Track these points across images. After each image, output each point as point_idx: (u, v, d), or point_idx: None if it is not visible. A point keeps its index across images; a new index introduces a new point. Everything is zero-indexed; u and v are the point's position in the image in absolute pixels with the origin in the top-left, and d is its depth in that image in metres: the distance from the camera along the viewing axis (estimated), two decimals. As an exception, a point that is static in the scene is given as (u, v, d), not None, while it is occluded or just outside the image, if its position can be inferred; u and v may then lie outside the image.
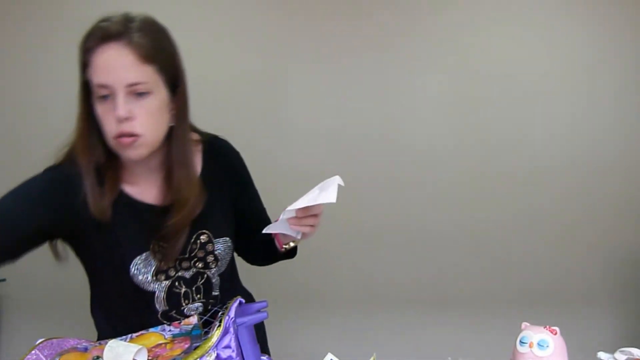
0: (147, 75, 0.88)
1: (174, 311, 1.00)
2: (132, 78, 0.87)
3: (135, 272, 0.95)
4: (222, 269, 1.06)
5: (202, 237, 1.02)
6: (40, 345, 0.76)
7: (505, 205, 2.02)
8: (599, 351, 0.96)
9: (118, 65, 0.86)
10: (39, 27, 1.90)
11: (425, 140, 2.00)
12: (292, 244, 1.06)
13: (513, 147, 2.02)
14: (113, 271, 0.97)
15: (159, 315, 0.99)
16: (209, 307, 1.04)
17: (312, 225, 0.98)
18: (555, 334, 0.86)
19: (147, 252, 0.96)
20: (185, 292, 1.01)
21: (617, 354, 0.93)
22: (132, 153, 0.91)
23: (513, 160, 2.02)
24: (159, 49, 0.90)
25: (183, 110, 0.97)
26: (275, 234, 1.05)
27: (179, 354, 0.74)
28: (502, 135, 2.01)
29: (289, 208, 0.93)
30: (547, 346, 0.84)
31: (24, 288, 1.92)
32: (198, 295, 1.02)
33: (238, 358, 0.77)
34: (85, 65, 0.88)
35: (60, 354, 0.76)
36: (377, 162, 1.98)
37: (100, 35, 0.87)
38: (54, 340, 0.79)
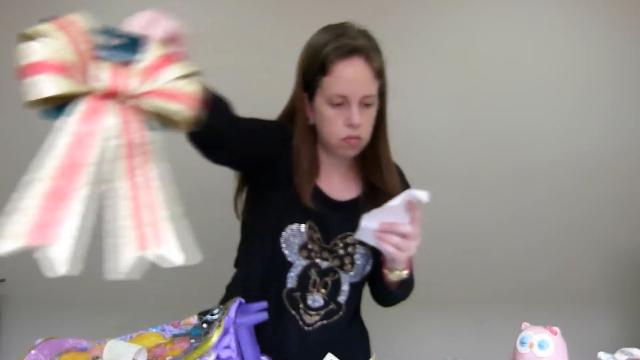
0: (375, 89, 1.00)
1: (299, 293, 1.04)
2: (368, 91, 0.98)
3: (287, 236, 1.02)
4: (355, 279, 1.09)
5: (349, 238, 1.06)
6: (40, 345, 0.76)
7: (505, 204, 2.02)
8: (599, 351, 0.96)
9: (359, 79, 0.96)
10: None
11: (423, 139, 2.00)
12: (397, 273, 1.01)
13: (512, 145, 2.02)
14: (271, 227, 1.04)
15: (285, 291, 1.04)
16: (330, 309, 1.07)
17: (397, 247, 0.93)
18: (556, 334, 0.86)
19: (305, 225, 1.03)
20: (315, 280, 1.05)
21: (617, 354, 0.93)
22: (351, 152, 1.04)
23: (512, 160, 2.02)
24: (383, 66, 1.02)
25: (385, 116, 1.08)
26: (384, 260, 1.04)
27: (179, 354, 0.74)
28: (502, 133, 2.01)
29: (367, 214, 0.94)
30: (548, 346, 0.84)
31: (24, 288, 1.92)
32: (323, 290, 1.06)
33: (238, 358, 0.76)
34: (322, 71, 0.96)
35: (60, 354, 0.76)
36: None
37: (347, 49, 0.95)
38: (53, 340, 0.79)
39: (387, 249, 0.94)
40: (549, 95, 2.02)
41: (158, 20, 0.59)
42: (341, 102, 0.97)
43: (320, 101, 1.00)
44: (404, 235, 0.93)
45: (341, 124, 0.99)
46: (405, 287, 1.10)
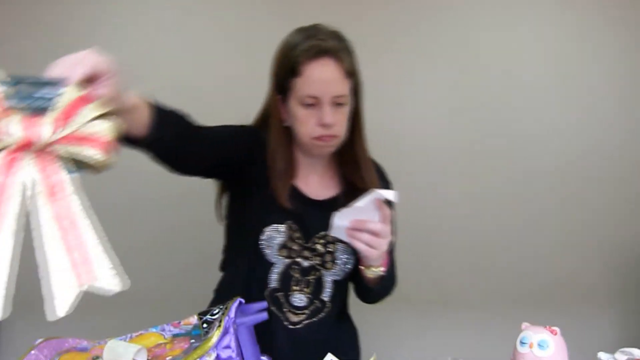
0: (347, 88, 1.01)
1: (283, 293, 1.05)
2: (339, 91, 0.99)
3: (267, 237, 1.04)
4: (337, 277, 1.10)
5: (329, 236, 1.07)
6: (40, 345, 0.76)
7: (505, 206, 2.02)
8: (599, 351, 0.96)
9: (329, 79, 0.98)
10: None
11: (425, 141, 2.00)
12: (373, 270, 1.03)
13: (512, 148, 2.02)
14: (252, 229, 1.05)
15: (269, 291, 1.05)
16: (315, 307, 1.08)
17: (368, 244, 0.94)
18: (556, 334, 0.86)
19: (285, 226, 1.04)
20: (297, 278, 1.06)
21: (617, 354, 0.93)
22: (327, 150, 1.06)
23: (513, 162, 2.02)
24: (355, 66, 1.03)
25: (360, 115, 1.09)
26: (360, 257, 1.04)
27: (179, 354, 0.74)
28: (503, 136, 2.01)
29: (338, 212, 0.95)
30: (548, 346, 0.84)
31: (24, 288, 1.92)
32: (307, 289, 1.07)
33: (238, 358, 0.76)
34: (293, 73, 0.98)
35: (60, 354, 0.76)
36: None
37: (316, 50, 0.97)
38: (53, 340, 0.79)
39: (358, 246, 0.95)
40: (552, 100, 2.01)
41: (80, 61, 0.58)
42: (313, 103, 0.99)
43: (293, 102, 1.02)
44: (374, 233, 0.94)
45: (313, 124, 1.00)
46: (385, 285, 1.11)
